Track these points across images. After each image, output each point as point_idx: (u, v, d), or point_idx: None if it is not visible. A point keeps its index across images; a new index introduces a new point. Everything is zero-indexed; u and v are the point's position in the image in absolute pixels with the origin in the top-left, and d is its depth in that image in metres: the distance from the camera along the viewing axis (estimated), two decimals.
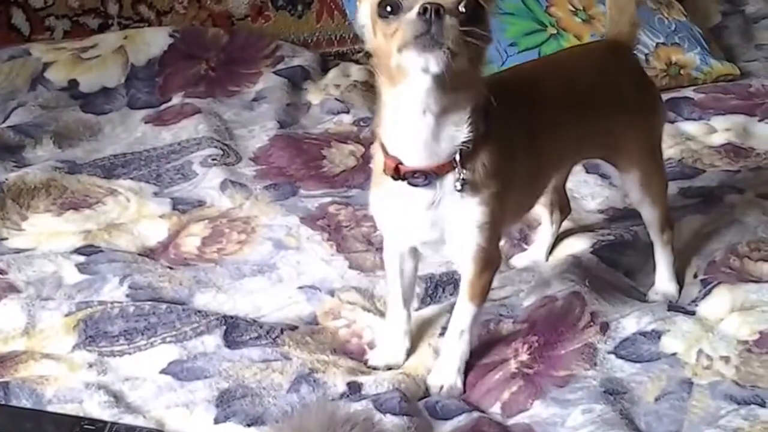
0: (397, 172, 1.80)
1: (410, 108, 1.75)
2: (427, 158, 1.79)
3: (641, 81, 2.16)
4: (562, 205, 2.34)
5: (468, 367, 1.98)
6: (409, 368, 2.02)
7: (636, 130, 2.07)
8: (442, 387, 1.94)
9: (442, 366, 1.97)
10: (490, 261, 1.91)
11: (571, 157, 2.14)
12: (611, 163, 2.20)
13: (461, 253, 1.88)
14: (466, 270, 1.90)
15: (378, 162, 1.86)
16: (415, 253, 2.01)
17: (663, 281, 2.21)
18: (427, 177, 1.80)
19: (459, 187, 1.81)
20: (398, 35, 1.67)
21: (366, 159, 2.74)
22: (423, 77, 1.70)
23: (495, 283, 2.14)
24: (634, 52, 2.19)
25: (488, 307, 2.05)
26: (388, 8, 1.69)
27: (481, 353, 2.00)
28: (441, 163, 1.80)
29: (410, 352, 2.05)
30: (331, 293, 2.21)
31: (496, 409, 1.90)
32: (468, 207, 1.83)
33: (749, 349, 1.96)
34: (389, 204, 1.86)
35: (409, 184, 1.81)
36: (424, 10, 1.64)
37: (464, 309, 1.94)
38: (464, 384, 1.96)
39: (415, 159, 1.80)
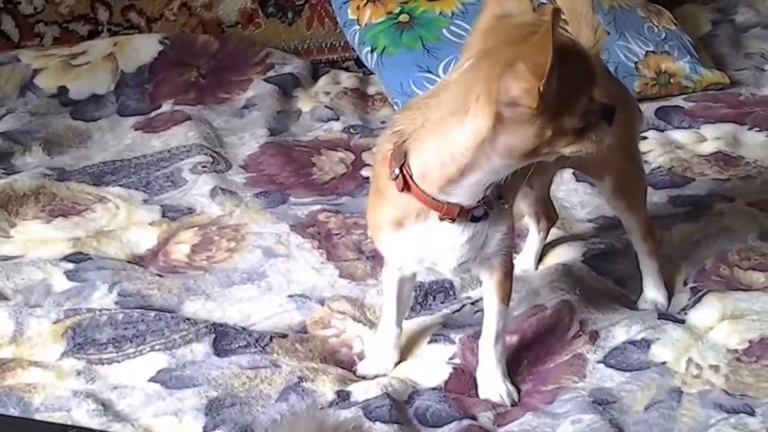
0: (460, 214, 1.78)
1: (510, 170, 1.74)
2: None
3: (610, 86, 2.07)
4: (548, 214, 2.34)
5: (462, 376, 1.99)
6: (398, 373, 2.02)
7: None
8: (500, 396, 1.93)
9: (488, 377, 1.95)
10: (512, 260, 1.93)
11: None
12: (583, 171, 2.19)
13: (489, 262, 1.88)
14: (495, 274, 1.90)
15: (402, 205, 1.79)
16: (414, 275, 2.00)
17: (650, 290, 2.21)
18: (484, 209, 1.80)
19: (507, 206, 1.83)
20: (584, 141, 1.70)
21: (356, 166, 2.74)
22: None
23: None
24: (601, 57, 2.14)
25: (478, 317, 2.05)
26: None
27: (473, 364, 2.00)
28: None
29: (399, 362, 2.05)
30: (321, 302, 2.20)
31: (488, 416, 1.90)
32: (502, 219, 1.84)
33: (738, 358, 1.96)
34: (416, 242, 1.83)
35: (472, 220, 1.80)
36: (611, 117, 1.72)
37: (498, 312, 1.93)
38: (515, 384, 1.97)
39: (474, 201, 1.78)
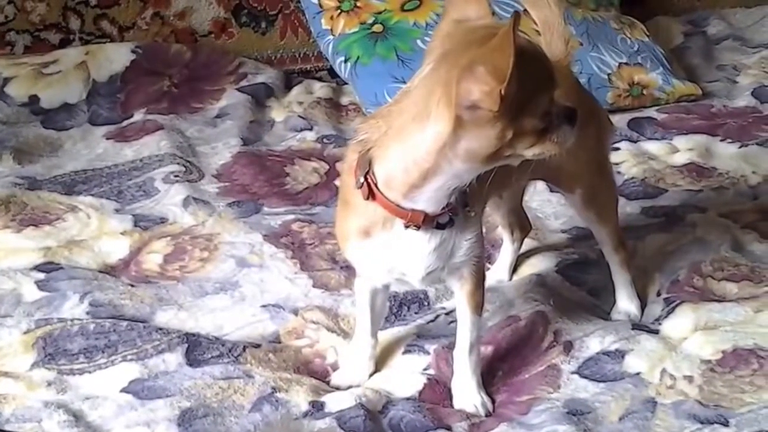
0: (425, 221, 1.77)
1: (473, 175, 1.73)
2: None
3: (580, 98, 2.07)
4: (522, 224, 2.33)
5: (436, 386, 1.98)
6: (372, 383, 2.01)
7: (576, 147, 1.88)
8: (475, 407, 1.92)
9: (463, 388, 1.95)
10: (483, 270, 1.92)
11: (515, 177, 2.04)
12: (554, 183, 2.19)
13: (459, 272, 1.87)
14: (466, 285, 1.89)
15: (368, 214, 1.78)
16: (386, 286, 1.99)
17: (623, 300, 2.21)
18: (449, 215, 1.79)
19: (473, 214, 1.82)
20: (547, 142, 1.70)
21: (330, 176, 2.74)
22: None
23: None
24: (572, 68, 2.14)
25: (452, 328, 2.05)
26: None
27: (448, 374, 1.99)
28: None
29: (373, 373, 2.04)
30: (295, 312, 2.19)
31: (463, 426, 1.89)
32: (469, 226, 1.83)
33: (712, 369, 1.97)
34: (383, 251, 1.82)
35: (437, 228, 1.79)
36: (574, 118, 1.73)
37: (470, 323, 1.92)
38: (490, 395, 1.96)
39: (439, 209, 1.77)
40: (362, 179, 1.75)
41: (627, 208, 2.54)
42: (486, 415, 1.92)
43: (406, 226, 1.77)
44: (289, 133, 2.97)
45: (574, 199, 2.14)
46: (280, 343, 2.12)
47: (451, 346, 1.99)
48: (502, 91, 1.58)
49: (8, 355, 2.03)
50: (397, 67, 2.98)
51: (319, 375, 2.05)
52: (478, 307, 1.92)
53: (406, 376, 2.02)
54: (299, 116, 3.04)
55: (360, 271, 1.95)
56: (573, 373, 2.00)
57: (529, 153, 1.70)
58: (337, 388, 1.99)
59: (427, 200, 1.74)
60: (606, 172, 2.18)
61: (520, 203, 2.31)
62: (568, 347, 2.04)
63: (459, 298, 1.92)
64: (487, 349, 2.05)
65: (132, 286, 2.28)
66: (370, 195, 1.75)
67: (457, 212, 1.80)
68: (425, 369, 2.04)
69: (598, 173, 2.13)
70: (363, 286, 1.98)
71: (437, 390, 1.98)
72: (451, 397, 1.96)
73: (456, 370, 1.95)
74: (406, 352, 2.08)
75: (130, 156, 2.81)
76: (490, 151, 1.67)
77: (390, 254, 1.83)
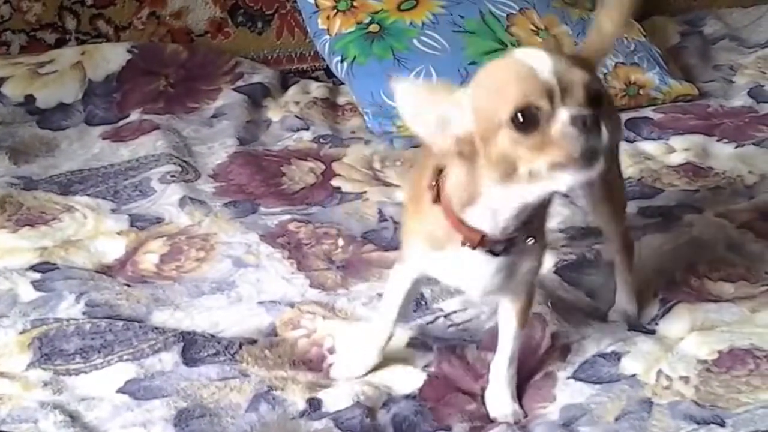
0: (482, 243, 1.75)
1: (518, 200, 1.69)
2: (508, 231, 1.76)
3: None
4: None
5: (437, 384, 1.98)
6: (372, 379, 2.00)
7: None
8: (508, 416, 1.92)
9: (498, 397, 1.95)
10: (535, 286, 1.94)
11: None
12: None
13: (516, 290, 1.88)
14: (518, 303, 1.90)
15: (433, 221, 1.77)
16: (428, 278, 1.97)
17: (623, 300, 2.20)
18: (505, 245, 1.77)
19: (533, 242, 1.78)
20: (552, 152, 1.55)
21: (326, 176, 2.73)
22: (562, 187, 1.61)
23: (456, 306, 2.16)
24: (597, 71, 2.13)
25: (452, 332, 2.05)
26: (521, 119, 1.55)
27: (448, 372, 1.99)
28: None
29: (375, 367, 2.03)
30: (291, 305, 2.19)
31: (464, 426, 1.89)
32: (531, 252, 1.81)
33: (708, 369, 1.97)
34: (445, 264, 1.82)
35: (491, 252, 1.76)
36: (583, 123, 1.53)
37: (515, 337, 1.92)
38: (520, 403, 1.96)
39: (498, 233, 1.74)
40: (433, 182, 1.75)
41: None
42: (516, 422, 1.92)
43: (463, 243, 1.76)
44: (285, 133, 2.97)
45: (591, 193, 2.09)
46: (276, 335, 2.11)
47: (452, 347, 2.00)
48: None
49: (4, 355, 2.03)
50: (393, 66, 2.97)
51: (316, 364, 2.04)
52: (525, 322, 1.93)
53: (407, 372, 2.01)
54: (296, 116, 3.04)
55: (409, 260, 1.91)
56: (569, 377, 1.99)
57: (546, 166, 1.59)
58: (337, 379, 1.99)
59: (481, 219, 1.72)
60: (620, 171, 2.16)
61: None
62: (565, 351, 2.04)
63: (506, 311, 1.92)
64: (488, 355, 2.03)
65: (128, 286, 2.28)
66: (437, 198, 1.74)
67: (516, 242, 1.77)
68: (426, 366, 2.03)
69: (616, 170, 2.11)
70: (406, 273, 1.95)
71: (437, 387, 1.97)
72: (450, 395, 1.95)
73: (492, 379, 1.95)
74: (408, 347, 2.07)
75: (126, 156, 2.81)
76: (497, 172, 1.63)
77: (449, 269, 1.83)
